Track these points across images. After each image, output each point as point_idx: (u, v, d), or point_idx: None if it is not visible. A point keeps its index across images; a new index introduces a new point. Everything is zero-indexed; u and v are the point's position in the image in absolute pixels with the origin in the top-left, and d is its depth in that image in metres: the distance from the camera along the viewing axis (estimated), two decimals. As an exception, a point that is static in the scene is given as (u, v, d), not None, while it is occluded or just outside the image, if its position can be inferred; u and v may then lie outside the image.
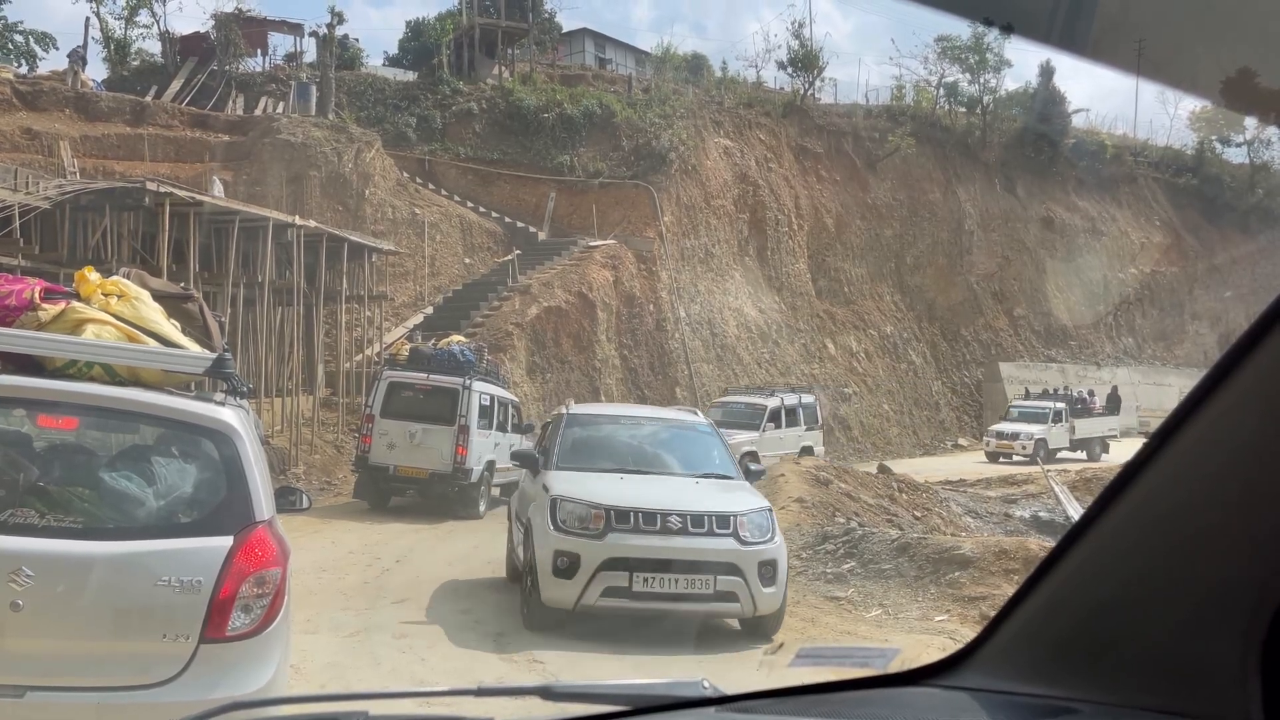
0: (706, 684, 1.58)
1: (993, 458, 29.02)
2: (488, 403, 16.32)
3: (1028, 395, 33.09)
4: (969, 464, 27.82)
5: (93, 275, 4.62)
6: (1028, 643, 1.45)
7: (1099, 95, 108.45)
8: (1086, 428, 31.18)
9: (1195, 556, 1.25)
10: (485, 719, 1.36)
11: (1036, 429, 29.21)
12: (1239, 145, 49.99)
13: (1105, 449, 30.98)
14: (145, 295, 4.65)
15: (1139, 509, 1.29)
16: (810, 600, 9.86)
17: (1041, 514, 19.44)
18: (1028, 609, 1.44)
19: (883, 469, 21.34)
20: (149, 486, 4.05)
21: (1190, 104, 48.55)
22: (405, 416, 15.61)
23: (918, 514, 15.77)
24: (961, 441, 36.23)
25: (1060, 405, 30.64)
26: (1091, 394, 33.41)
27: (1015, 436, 28.96)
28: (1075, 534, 1.36)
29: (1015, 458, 28.10)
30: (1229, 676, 1.21)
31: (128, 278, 4.85)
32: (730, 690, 1.63)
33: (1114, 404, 33.71)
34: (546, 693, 1.45)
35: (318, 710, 1.38)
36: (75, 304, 4.43)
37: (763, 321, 32.01)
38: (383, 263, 23.93)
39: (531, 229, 29.71)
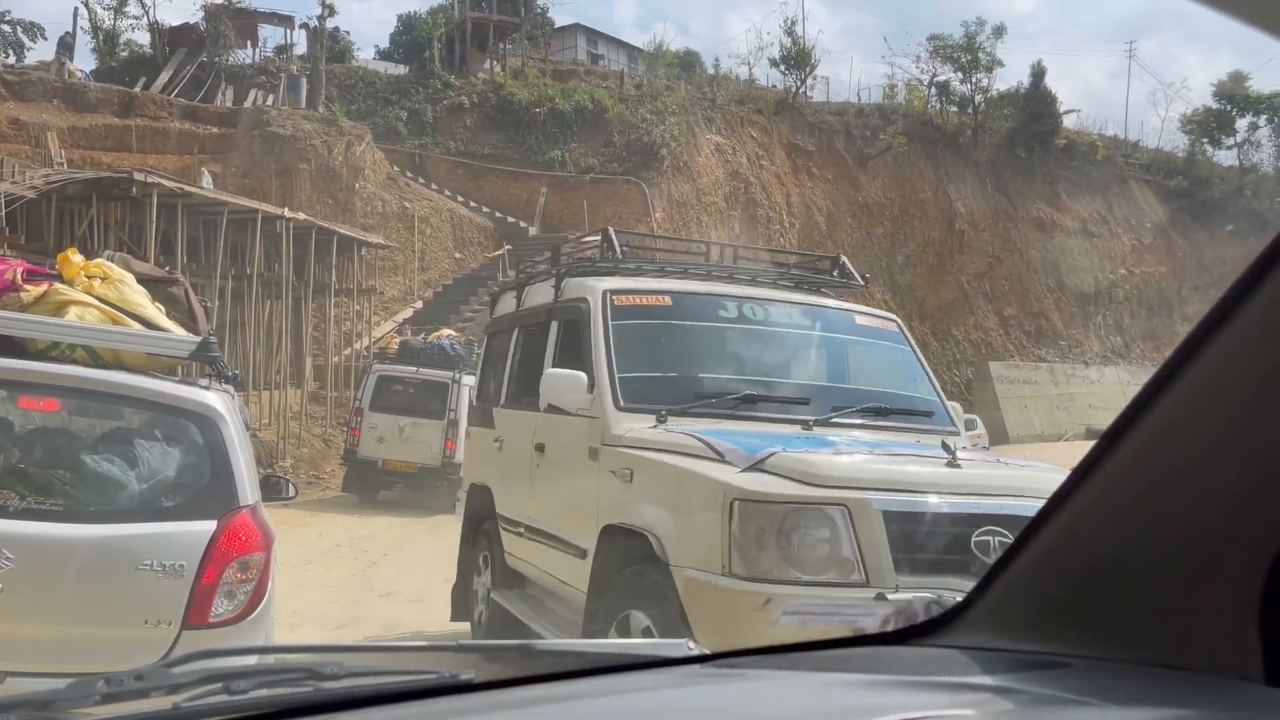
0: (691, 645, 1.56)
1: None
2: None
3: None
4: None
5: (76, 257, 4.55)
6: (1019, 600, 1.42)
7: (1090, 96, 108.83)
8: None
9: (1190, 509, 1.21)
10: (465, 674, 1.32)
11: None
12: (1229, 148, 50.21)
13: None
14: (129, 278, 4.59)
15: (1133, 462, 1.25)
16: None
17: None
18: (1018, 567, 1.41)
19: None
20: (131, 470, 3.99)
21: (1180, 106, 48.77)
22: (394, 410, 15.57)
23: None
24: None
25: None
26: None
27: None
28: (1066, 491, 1.32)
29: None
30: (1225, 629, 1.18)
31: (111, 261, 4.79)
32: None
33: None
34: (528, 651, 1.42)
35: (292, 660, 1.34)
36: (58, 285, 4.36)
37: (753, 319, 31.95)
38: (372, 256, 23.83)
39: (522, 224, 29.59)
